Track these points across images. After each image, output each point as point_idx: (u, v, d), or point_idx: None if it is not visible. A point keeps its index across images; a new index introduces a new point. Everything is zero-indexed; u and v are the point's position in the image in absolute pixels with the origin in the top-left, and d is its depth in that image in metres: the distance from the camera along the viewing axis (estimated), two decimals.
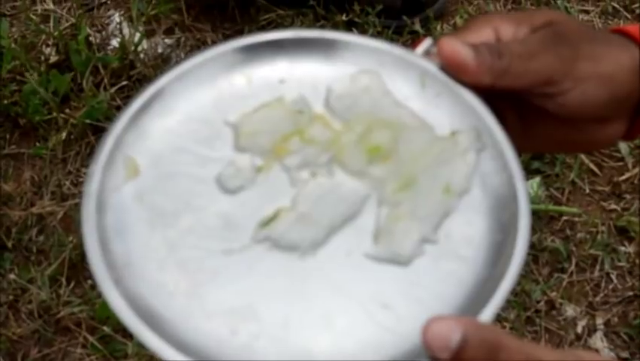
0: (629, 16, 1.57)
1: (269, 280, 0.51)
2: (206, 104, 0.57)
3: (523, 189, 0.53)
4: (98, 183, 0.52)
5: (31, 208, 1.34)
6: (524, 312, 1.29)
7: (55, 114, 1.40)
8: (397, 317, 0.50)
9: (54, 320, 1.26)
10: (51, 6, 1.53)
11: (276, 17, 1.52)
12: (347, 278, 0.51)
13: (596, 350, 1.27)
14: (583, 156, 1.41)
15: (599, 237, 1.35)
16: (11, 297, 1.27)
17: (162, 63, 1.48)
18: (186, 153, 0.55)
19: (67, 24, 1.51)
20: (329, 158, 0.55)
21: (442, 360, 0.45)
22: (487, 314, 0.48)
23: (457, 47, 0.55)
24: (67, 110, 1.41)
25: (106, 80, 1.43)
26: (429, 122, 0.56)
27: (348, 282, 0.51)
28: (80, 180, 1.37)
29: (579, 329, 1.30)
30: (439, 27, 1.54)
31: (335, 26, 1.48)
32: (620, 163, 1.43)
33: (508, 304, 1.29)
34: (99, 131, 1.39)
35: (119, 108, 1.40)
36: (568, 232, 1.37)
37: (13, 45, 1.45)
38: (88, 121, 1.39)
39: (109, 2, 1.56)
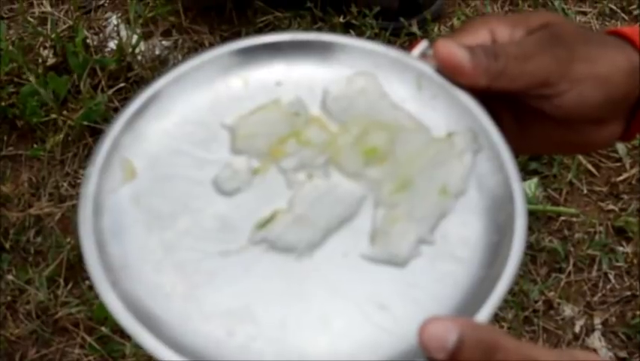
0: (626, 18, 1.57)
1: (266, 281, 0.51)
2: (202, 106, 0.57)
3: (520, 190, 0.53)
4: (95, 185, 0.53)
5: (28, 209, 1.34)
6: (522, 312, 1.29)
7: (52, 116, 1.40)
8: (394, 318, 0.50)
9: (52, 320, 1.27)
10: (48, 8, 1.53)
11: (274, 19, 1.52)
12: (344, 279, 0.51)
13: (594, 350, 1.27)
14: (580, 157, 1.41)
15: (596, 237, 1.36)
16: (9, 298, 1.27)
17: (160, 65, 1.48)
18: (183, 155, 0.55)
19: (64, 26, 1.51)
20: (325, 160, 0.55)
21: None
22: (483, 315, 0.49)
23: (453, 49, 0.55)
24: (64, 112, 1.41)
25: (103, 82, 1.43)
26: (425, 124, 0.56)
27: (345, 283, 0.51)
28: (78, 181, 1.37)
29: (577, 329, 1.30)
30: (436, 29, 1.54)
31: (332, 28, 1.48)
32: (618, 164, 1.43)
33: (506, 304, 1.29)
34: (97, 133, 1.39)
35: (116, 110, 1.40)
36: (566, 232, 1.37)
37: (10, 47, 1.46)
38: (85, 123, 1.39)
39: (106, 4, 1.56)
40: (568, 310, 1.31)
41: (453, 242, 0.53)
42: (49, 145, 1.39)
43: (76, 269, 1.29)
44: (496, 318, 1.28)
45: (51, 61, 1.46)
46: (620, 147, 1.43)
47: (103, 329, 1.24)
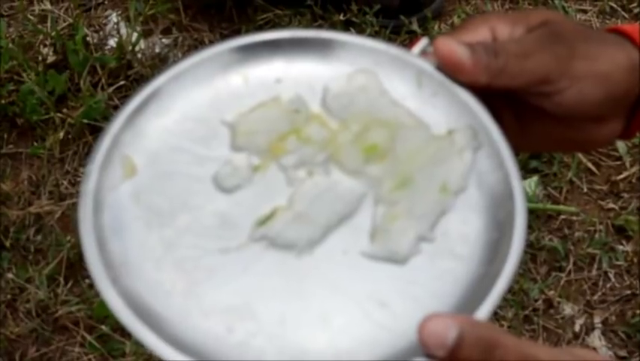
0: (626, 16, 1.57)
1: (266, 278, 0.51)
2: (203, 103, 0.57)
3: (519, 188, 0.53)
4: (95, 183, 0.52)
5: (28, 208, 1.34)
6: (522, 310, 1.29)
7: (52, 114, 1.40)
8: (394, 315, 0.50)
9: (52, 319, 1.27)
10: (48, 6, 1.53)
11: (274, 17, 1.52)
12: (344, 277, 0.51)
13: (594, 349, 1.28)
14: (581, 155, 1.41)
15: (596, 236, 1.36)
16: (9, 296, 1.27)
17: (160, 63, 1.48)
18: (183, 152, 0.55)
19: (64, 24, 1.51)
20: (325, 157, 0.55)
21: (439, 358, 0.46)
22: (483, 312, 0.49)
23: (454, 47, 0.55)
24: (64, 110, 1.41)
25: (103, 80, 1.44)
26: (425, 122, 0.56)
27: (345, 280, 0.51)
28: (78, 179, 1.37)
29: (577, 328, 1.30)
30: (436, 27, 1.54)
31: (332, 26, 1.48)
32: (618, 162, 1.43)
33: (506, 303, 1.29)
34: (96, 131, 1.39)
35: (116, 108, 1.40)
36: (566, 230, 1.37)
37: (10, 45, 1.46)
38: (85, 121, 1.39)
39: (106, 2, 1.56)
40: (568, 309, 1.31)
41: (453, 239, 0.53)
42: (49, 143, 1.39)
43: (76, 268, 1.29)
44: (496, 317, 1.28)
45: (51, 59, 1.46)
46: (621, 146, 1.43)
47: (103, 327, 1.24)
